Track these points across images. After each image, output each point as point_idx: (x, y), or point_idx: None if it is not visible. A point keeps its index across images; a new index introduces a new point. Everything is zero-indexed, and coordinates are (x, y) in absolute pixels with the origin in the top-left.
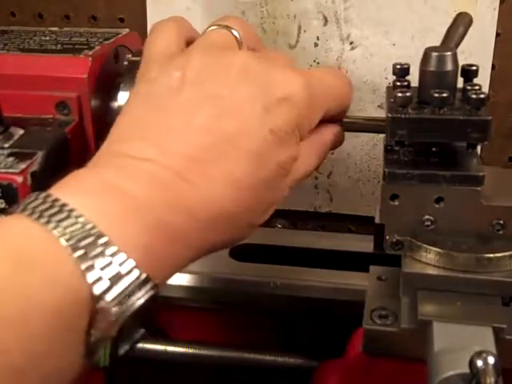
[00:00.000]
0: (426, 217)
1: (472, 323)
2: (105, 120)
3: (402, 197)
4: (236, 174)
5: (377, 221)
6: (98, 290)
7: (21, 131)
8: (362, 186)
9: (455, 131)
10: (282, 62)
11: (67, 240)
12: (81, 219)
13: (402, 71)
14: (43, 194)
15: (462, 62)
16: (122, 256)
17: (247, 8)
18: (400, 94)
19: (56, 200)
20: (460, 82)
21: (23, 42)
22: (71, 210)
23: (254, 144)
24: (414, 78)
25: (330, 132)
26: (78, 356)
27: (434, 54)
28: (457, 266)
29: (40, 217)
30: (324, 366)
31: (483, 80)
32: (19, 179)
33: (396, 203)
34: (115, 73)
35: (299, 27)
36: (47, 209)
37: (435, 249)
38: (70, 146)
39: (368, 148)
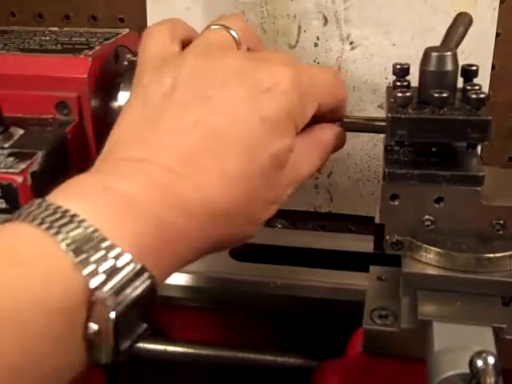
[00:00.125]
0: (426, 217)
1: (472, 323)
2: (105, 120)
3: (402, 197)
4: (229, 165)
5: (377, 221)
6: (93, 283)
7: (21, 131)
8: (362, 186)
9: (455, 131)
10: (276, 59)
11: (63, 239)
12: (76, 218)
13: (402, 71)
14: (38, 200)
15: (462, 62)
16: (117, 250)
17: (247, 8)
18: (400, 94)
19: (48, 202)
20: (460, 82)
21: (23, 42)
22: (65, 211)
23: (245, 134)
24: (414, 78)
25: (329, 131)
26: (78, 354)
27: (434, 53)
28: (457, 266)
29: (34, 219)
30: (324, 365)
31: (483, 80)
32: (19, 179)
33: (396, 203)
34: (115, 73)
35: (299, 27)
36: (42, 212)
37: (435, 249)
38: (70, 146)
39: (368, 148)
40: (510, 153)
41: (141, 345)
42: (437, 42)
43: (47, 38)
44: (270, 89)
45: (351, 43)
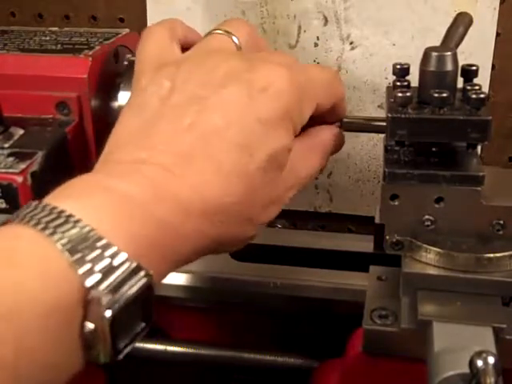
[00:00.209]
0: (426, 217)
1: (472, 323)
2: (105, 120)
3: (402, 197)
4: (225, 165)
5: (377, 221)
6: (89, 282)
7: (21, 131)
8: (362, 186)
9: (455, 131)
10: (273, 59)
11: (59, 239)
12: (72, 218)
13: (402, 71)
14: (35, 202)
15: (462, 62)
16: (113, 249)
17: (247, 8)
18: (400, 94)
19: (44, 204)
20: (460, 82)
21: (23, 42)
22: (61, 212)
23: (242, 134)
24: (414, 78)
25: (328, 132)
26: (75, 353)
27: (434, 53)
28: (457, 266)
29: (30, 221)
30: (324, 365)
31: (483, 80)
32: (19, 179)
33: (396, 203)
34: (115, 73)
35: (299, 27)
36: (38, 213)
37: (435, 249)
38: (70, 146)
39: (368, 148)
40: (510, 153)
41: (141, 345)
42: (437, 42)
43: (47, 38)
44: (265, 88)
45: (351, 43)
